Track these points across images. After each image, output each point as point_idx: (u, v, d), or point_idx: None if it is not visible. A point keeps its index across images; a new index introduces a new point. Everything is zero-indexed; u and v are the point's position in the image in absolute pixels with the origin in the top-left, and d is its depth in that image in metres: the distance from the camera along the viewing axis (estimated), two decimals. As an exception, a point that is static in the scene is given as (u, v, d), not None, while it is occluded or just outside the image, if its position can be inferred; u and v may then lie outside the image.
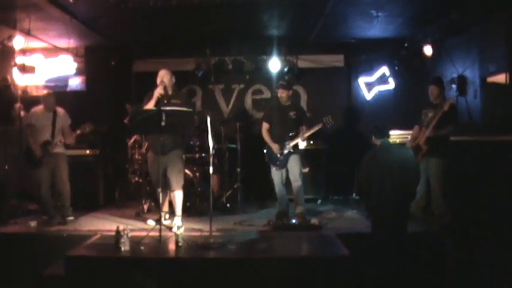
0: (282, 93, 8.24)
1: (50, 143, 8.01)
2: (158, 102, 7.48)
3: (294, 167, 8.13)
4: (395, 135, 9.19)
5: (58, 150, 8.16)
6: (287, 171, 8.23)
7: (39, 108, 8.22)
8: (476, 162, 7.59)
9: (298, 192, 8.14)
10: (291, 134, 8.10)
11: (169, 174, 7.68)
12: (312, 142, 9.93)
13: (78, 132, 8.09)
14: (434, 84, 7.99)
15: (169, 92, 7.74)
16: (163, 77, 7.69)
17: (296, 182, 8.13)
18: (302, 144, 9.11)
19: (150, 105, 7.51)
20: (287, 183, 8.35)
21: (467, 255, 6.70)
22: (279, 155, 8.12)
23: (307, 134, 8.13)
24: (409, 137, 8.59)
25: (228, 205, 9.31)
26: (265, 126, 8.40)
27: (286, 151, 8.07)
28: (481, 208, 7.19)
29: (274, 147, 8.14)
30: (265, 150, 8.39)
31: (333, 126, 8.00)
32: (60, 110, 8.29)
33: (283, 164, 8.14)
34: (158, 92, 7.53)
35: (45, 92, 8.54)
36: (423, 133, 7.76)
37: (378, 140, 6.29)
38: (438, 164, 7.59)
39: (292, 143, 8.05)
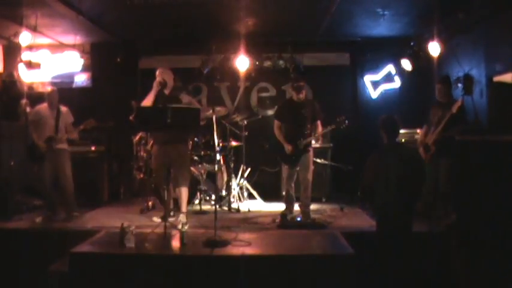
0: (299, 95, 8.13)
1: (54, 138, 8.03)
2: (157, 98, 7.54)
3: (306, 166, 8.05)
4: (401, 133, 9.15)
5: (61, 146, 8.18)
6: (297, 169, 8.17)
7: (44, 105, 8.25)
8: (482, 162, 7.58)
9: (306, 191, 8.08)
10: (306, 132, 8.02)
11: (175, 170, 7.67)
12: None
13: (81, 127, 8.11)
14: (441, 82, 7.98)
15: (170, 88, 7.77)
16: (162, 74, 7.72)
17: (305, 180, 8.05)
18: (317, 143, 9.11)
19: (149, 101, 7.56)
20: (295, 181, 8.30)
21: (472, 255, 6.69)
22: (290, 153, 8.03)
23: (320, 134, 8.09)
24: (415, 135, 8.62)
25: (233, 202, 9.28)
26: (276, 124, 8.23)
27: (299, 149, 7.99)
28: (486, 208, 7.18)
29: (288, 147, 8.02)
30: (278, 149, 8.26)
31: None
32: (63, 108, 8.32)
33: (295, 163, 8.06)
34: (155, 87, 7.60)
35: (49, 89, 8.56)
36: (431, 133, 7.75)
37: (386, 137, 6.25)
38: (447, 164, 7.57)
39: (305, 142, 7.97)
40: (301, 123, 8.04)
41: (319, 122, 8.14)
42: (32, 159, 8.18)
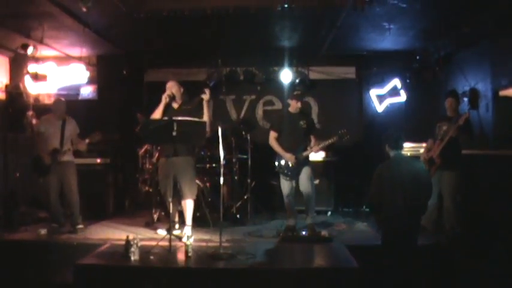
0: (297, 104, 8.14)
1: (59, 151, 8.04)
2: (165, 111, 7.57)
3: (305, 178, 8.01)
4: (407, 147, 9.13)
5: (66, 158, 8.18)
6: (297, 182, 8.15)
7: (49, 116, 8.27)
8: (487, 175, 7.57)
9: (309, 204, 8.06)
10: (304, 145, 8.03)
11: (182, 182, 7.65)
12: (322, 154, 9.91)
13: (88, 141, 8.10)
14: (451, 96, 7.98)
15: (179, 102, 7.78)
16: (172, 88, 7.73)
17: (307, 193, 8.03)
18: (319, 155, 9.12)
19: (157, 114, 7.58)
20: (297, 194, 8.28)
21: (477, 268, 6.66)
22: (290, 165, 8.03)
23: (321, 146, 8.07)
24: (421, 150, 8.59)
25: (238, 216, 9.27)
26: (273, 135, 8.20)
27: (300, 161, 7.97)
28: (491, 221, 7.16)
29: (288, 156, 8.00)
30: (276, 161, 8.26)
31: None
32: (69, 119, 8.33)
33: (294, 175, 8.03)
34: (163, 100, 7.63)
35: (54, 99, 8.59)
36: (437, 146, 7.72)
37: (391, 151, 6.26)
38: (451, 178, 7.54)
39: (305, 154, 7.97)
40: (300, 134, 8.04)
41: (313, 136, 8.13)
42: (37, 172, 8.17)
